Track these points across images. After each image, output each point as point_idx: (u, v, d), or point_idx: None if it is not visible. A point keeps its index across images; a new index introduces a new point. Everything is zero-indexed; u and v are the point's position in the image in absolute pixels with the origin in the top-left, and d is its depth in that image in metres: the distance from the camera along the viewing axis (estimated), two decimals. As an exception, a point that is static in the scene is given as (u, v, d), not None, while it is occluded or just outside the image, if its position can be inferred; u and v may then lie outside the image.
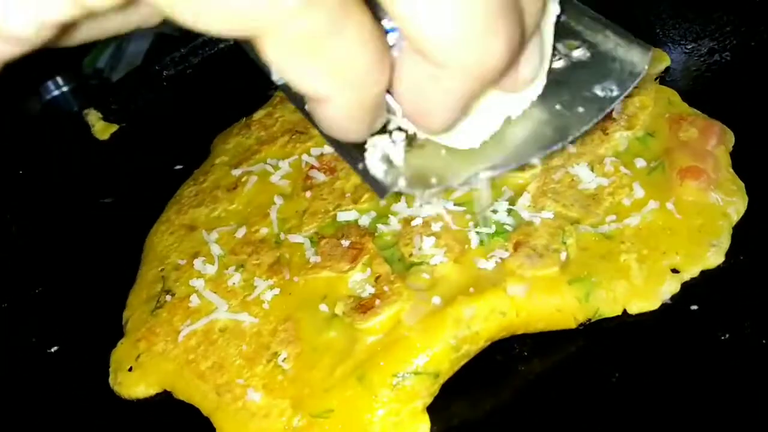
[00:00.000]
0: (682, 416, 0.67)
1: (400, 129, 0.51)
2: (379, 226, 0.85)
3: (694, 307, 0.75)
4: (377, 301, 0.76)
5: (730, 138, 0.89)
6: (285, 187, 0.96)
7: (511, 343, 0.76)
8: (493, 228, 0.81)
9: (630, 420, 0.68)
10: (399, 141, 0.51)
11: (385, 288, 0.77)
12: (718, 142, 0.87)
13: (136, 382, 0.81)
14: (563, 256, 0.77)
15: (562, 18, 0.58)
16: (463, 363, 0.73)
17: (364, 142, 0.50)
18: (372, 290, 0.78)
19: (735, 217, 0.81)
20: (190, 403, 0.78)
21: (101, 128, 1.21)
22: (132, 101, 1.26)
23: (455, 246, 0.80)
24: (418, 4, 0.38)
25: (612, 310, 0.76)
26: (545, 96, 0.55)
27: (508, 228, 0.81)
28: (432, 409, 0.72)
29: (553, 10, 0.53)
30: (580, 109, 0.56)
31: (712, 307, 0.74)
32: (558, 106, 0.55)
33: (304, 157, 0.98)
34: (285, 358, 0.76)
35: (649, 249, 0.78)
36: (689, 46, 1.06)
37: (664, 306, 0.75)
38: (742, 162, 0.87)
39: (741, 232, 0.80)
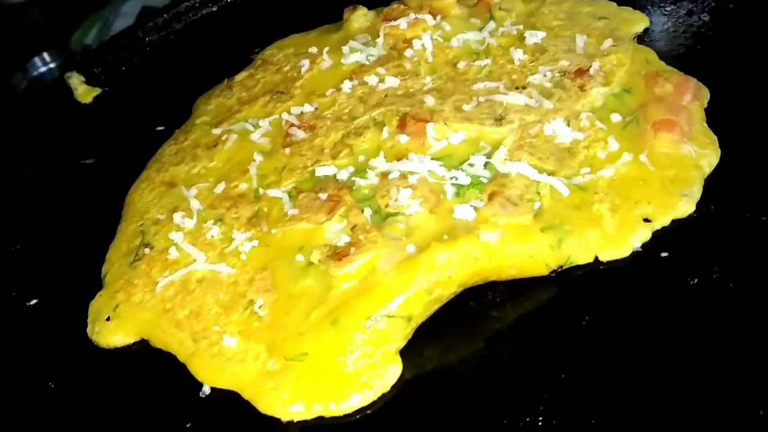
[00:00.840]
0: (651, 358, 0.68)
1: None
2: (357, 179, 0.86)
3: (664, 254, 0.76)
4: (352, 249, 0.76)
5: (706, 95, 0.90)
6: (265, 145, 0.97)
7: (484, 289, 0.77)
8: (469, 180, 0.82)
9: (601, 364, 0.69)
10: None
11: (361, 237, 0.78)
12: (692, 97, 0.88)
13: (113, 331, 0.82)
14: (537, 205, 0.78)
15: None
16: (435, 307, 0.74)
17: None
18: (347, 239, 0.79)
19: (707, 169, 0.82)
20: (167, 350, 0.79)
21: (84, 92, 1.21)
22: (115, 66, 1.26)
23: (431, 197, 0.81)
24: None
25: (584, 258, 0.77)
26: None
27: (484, 180, 0.82)
28: (405, 354, 0.73)
29: None
30: None
31: (682, 254, 0.75)
32: None
33: (284, 115, 0.99)
34: (261, 306, 0.77)
35: (621, 199, 0.79)
36: (668, 8, 1.07)
37: (635, 253, 0.76)
38: (716, 118, 0.88)
39: (713, 183, 0.81)
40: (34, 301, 0.89)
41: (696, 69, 0.94)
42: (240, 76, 1.12)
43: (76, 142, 1.13)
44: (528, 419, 0.66)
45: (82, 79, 1.22)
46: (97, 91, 1.21)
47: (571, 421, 0.65)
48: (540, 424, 0.66)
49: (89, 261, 0.92)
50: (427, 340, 0.74)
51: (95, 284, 0.89)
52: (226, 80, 1.13)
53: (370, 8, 1.16)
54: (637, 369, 0.68)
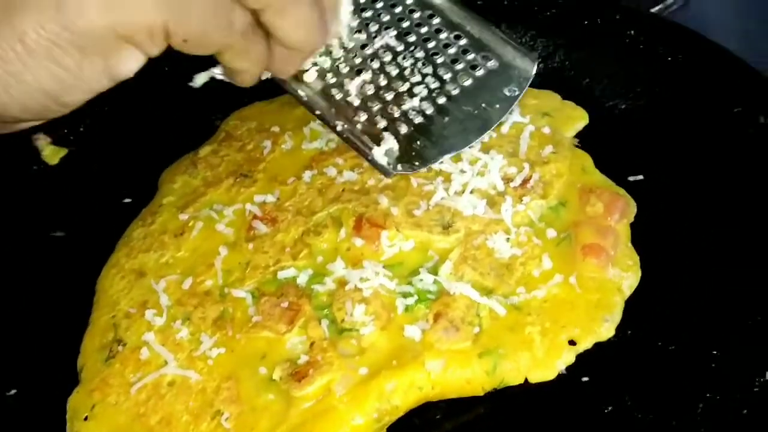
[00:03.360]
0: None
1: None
2: (315, 286, 0.94)
3: (585, 379, 0.85)
4: (311, 371, 0.85)
5: (633, 210, 0.99)
6: (229, 236, 1.03)
7: (427, 407, 0.86)
8: (417, 297, 0.91)
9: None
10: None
11: (318, 357, 0.86)
12: (620, 216, 0.96)
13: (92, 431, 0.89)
14: (476, 330, 0.87)
15: (477, 35, 0.96)
16: (384, 430, 0.84)
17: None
18: (306, 358, 0.87)
19: (628, 292, 0.91)
20: (142, 455, 0.87)
21: (51, 153, 1.24)
22: (81, 124, 1.28)
23: (383, 314, 0.89)
24: None
25: (515, 379, 0.86)
26: (475, 96, 0.93)
27: (431, 296, 0.91)
28: (355, 470, 0.82)
29: None
30: (497, 106, 0.94)
31: (599, 380, 0.85)
32: (483, 105, 0.94)
33: (248, 206, 1.05)
34: (227, 418, 0.85)
35: (551, 322, 0.88)
36: (608, 104, 1.14)
37: (560, 376, 0.86)
38: (639, 230, 0.97)
39: (632, 306, 0.90)
40: (13, 392, 0.95)
41: (626, 176, 1.03)
42: (204, 151, 1.17)
43: (45, 211, 1.17)
44: None
45: (49, 139, 1.25)
46: (64, 151, 1.25)
47: None
48: None
49: (66, 345, 0.97)
50: (376, 456, 0.84)
51: (73, 371, 0.95)
52: (191, 154, 1.18)
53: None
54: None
